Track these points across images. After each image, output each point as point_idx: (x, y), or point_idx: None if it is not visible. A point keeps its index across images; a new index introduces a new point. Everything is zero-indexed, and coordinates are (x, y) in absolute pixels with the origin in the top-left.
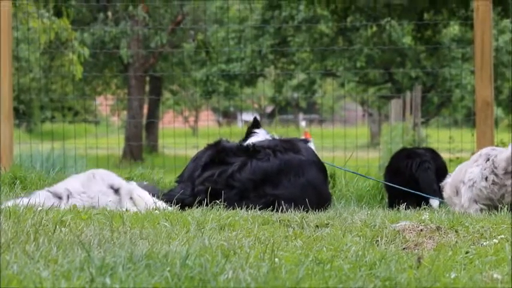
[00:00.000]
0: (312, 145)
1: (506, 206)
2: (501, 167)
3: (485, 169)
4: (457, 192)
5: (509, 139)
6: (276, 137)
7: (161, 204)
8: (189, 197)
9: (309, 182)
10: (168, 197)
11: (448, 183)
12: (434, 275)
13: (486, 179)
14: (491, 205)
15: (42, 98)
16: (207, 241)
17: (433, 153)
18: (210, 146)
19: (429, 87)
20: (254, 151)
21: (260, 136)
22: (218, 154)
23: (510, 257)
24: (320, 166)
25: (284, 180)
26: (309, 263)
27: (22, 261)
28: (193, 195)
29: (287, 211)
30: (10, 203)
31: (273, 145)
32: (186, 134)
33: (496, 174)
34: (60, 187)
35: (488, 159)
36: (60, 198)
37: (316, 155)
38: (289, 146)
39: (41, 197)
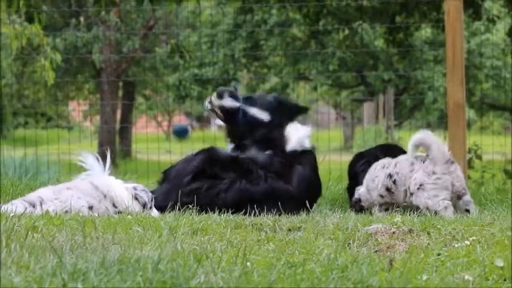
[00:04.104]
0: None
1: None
2: (439, 160)
3: (427, 167)
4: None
5: (481, 141)
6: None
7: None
8: (172, 204)
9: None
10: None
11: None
12: (406, 277)
13: (433, 172)
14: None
15: (14, 104)
16: (179, 245)
17: (384, 151)
18: (202, 151)
19: (402, 90)
20: (247, 170)
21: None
22: (210, 164)
23: (481, 259)
24: (305, 198)
25: (266, 207)
26: (281, 266)
27: None
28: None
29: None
30: None
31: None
32: (159, 139)
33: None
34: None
35: (423, 161)
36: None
37: (305, 187)
38: (285, 171)
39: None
